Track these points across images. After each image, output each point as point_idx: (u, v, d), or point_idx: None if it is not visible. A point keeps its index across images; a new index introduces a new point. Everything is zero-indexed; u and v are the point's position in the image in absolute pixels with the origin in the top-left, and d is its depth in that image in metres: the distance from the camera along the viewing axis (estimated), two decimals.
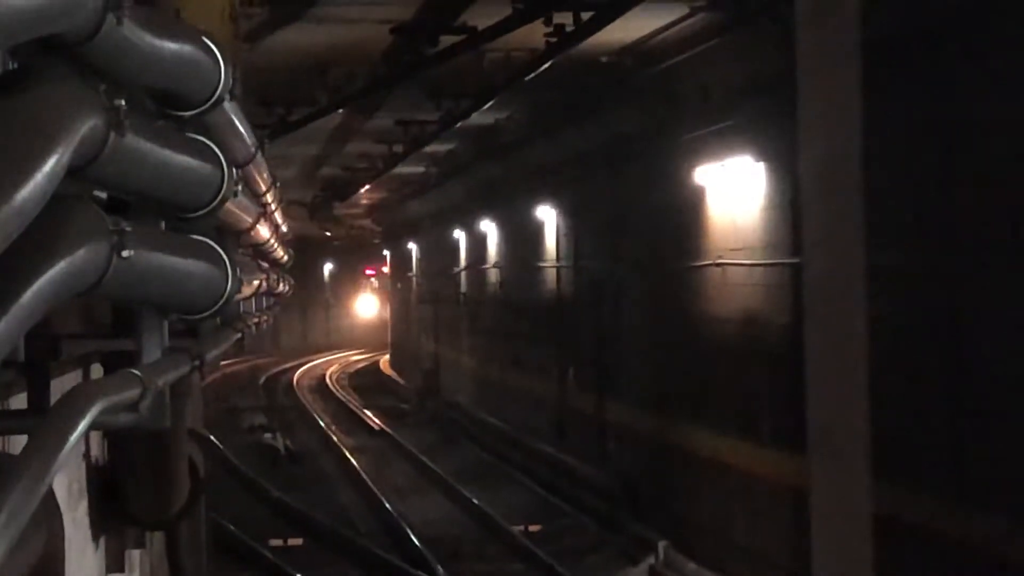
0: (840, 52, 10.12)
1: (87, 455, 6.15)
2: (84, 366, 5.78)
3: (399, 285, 57.02)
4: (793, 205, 16.11)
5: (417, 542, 22.07)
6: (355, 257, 70.94)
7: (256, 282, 8.51)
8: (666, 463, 21.32)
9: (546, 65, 17.24)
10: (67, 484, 5.59)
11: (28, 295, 2.84)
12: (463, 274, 39.63)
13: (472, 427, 35.57)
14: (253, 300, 9.31)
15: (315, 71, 20.23)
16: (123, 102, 3.34)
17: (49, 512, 4.32)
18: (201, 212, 4.52)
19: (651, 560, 20.33)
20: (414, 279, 51.62)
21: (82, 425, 3.16)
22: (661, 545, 20.31)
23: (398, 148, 28.86)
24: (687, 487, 20.45)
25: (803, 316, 9.95)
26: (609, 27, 15.48)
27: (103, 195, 4.18)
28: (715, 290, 19.06)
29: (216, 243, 4.79)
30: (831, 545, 10.47)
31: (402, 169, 32.80)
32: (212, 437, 22.36)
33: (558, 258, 28.15)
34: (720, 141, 18.33)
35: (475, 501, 25.66)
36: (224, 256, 4.74)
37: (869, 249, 10.39)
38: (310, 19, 17.04)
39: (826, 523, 10.42)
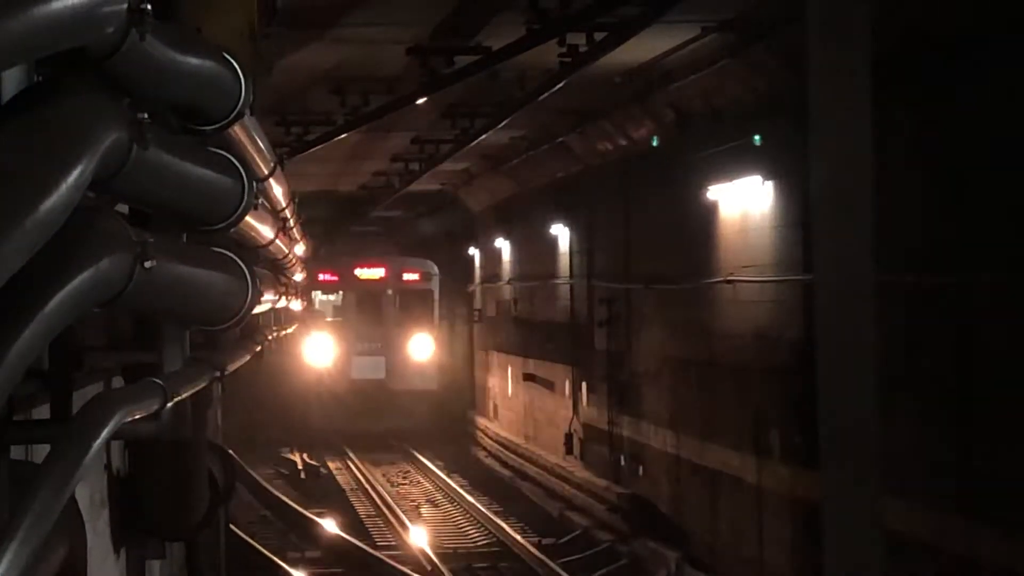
0: (850, 70, 10.17)
1: (108, 466, 6.21)
2: (106, 378, 5.84)
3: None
4: (802, 224, 16.18)
5: (431, 554, 22.17)
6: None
7: (274, 296, 8.57)
8: (678, 477, 21.35)
9: (560, 85, 17.30)
10: (89, 494, 5.65)
11: (52, 304, 2.88)
12: (477, 290, 39.58)
13: (486, 442, 35.54)
14: (272, 315, 9.38)
15: (332, 91, 20.31)
16: (146, 116, 3.40)
17: (72, 521, 4.37)
18: (222, 225, 4.56)
19: (663, 574, 20.38)
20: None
21: (104, 433, 3.22)
22: (672, 558, 20.37)
23: (414, 166, 28.94)
24: (699, 501, 20.46)
25: (813, 332, 9.97)
26: (622, 47, 15.54)
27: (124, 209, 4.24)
28: (726, 306, 19.12)
29: (236, 256, 4.82)
30: (843, 558, 10.50)
31: (417, 187, 32.85)
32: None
33: (571, 275, 28.19)
34: (730, 161, 18.39)
35: (489, 515, 25.73)
36: (244, 268, 4.79)
37: (879, 266, 10.42)
38: (328, 40, 17.12)
39: (838, 537, 10.45)
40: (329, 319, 38.83)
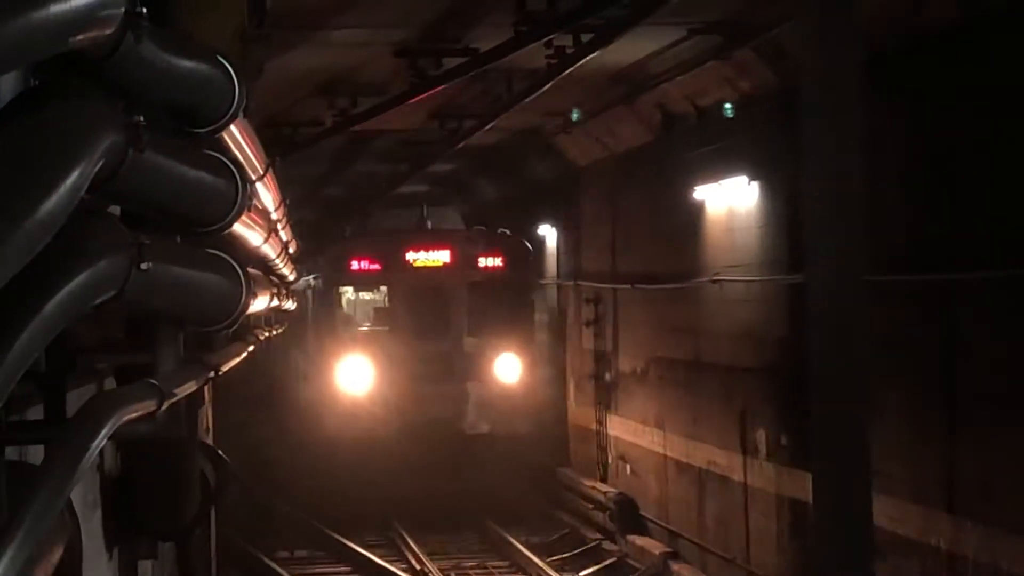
0: (841, 73, 10.24)
1: (100, 466, 6.23)
2: (98, 379, 5.86)
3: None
4: (788, 223, 16.23)
5: (417, 550, 22.18)
6: None
7: (267, 297, 8.58)
8: (665, 476, 21.39)
9: (547, 86, 17.34)
10: (82, 495, 5.66)
11: (51, 306, 2.91)
12: None
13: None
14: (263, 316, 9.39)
15: (321, 92, 20.32)
16: (142, 118, 3.43)
17: (67, 521, 4.39)
18: (216, 226, 4.57)
19: (650, 571, 20.44)
20: None
21: (103, 434, 3.24)
22: (659, 555, 20.44)
23: (402, 168, 28.85)
24: (686, 499, 20.51)
25: (799, 331, 10.00)
26: (608, 49, 15.58)
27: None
28: (713, 306, 19.17)
29: (230, 257, 4.85)
30: (833, 558, 10.55)
31: (406, 188, 32.79)
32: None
33: (558, 275, 28.18)
34: (716, 161, 18.47)
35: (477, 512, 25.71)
36: (239, 270, 4.81)
37: (869, 266, 10.45)
38: (317, 42, 17.14)
39: (828, 536, 10.51)
40: (365, 328, 26.33)
